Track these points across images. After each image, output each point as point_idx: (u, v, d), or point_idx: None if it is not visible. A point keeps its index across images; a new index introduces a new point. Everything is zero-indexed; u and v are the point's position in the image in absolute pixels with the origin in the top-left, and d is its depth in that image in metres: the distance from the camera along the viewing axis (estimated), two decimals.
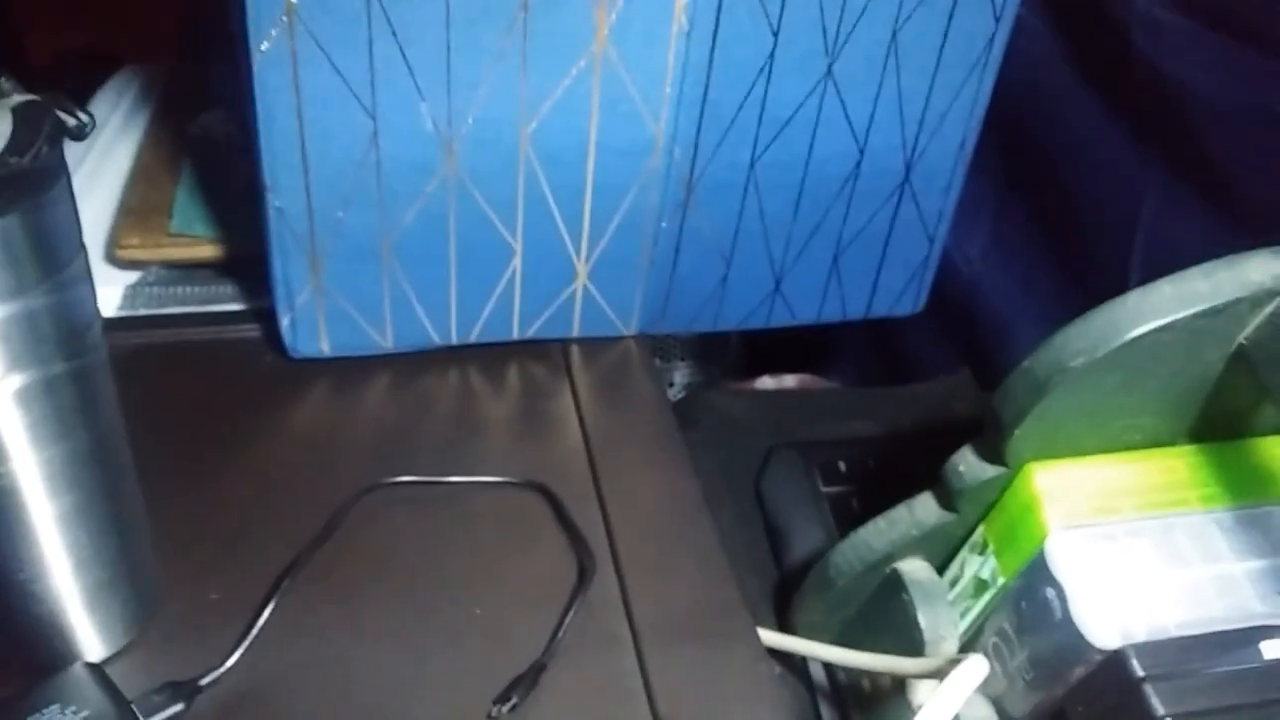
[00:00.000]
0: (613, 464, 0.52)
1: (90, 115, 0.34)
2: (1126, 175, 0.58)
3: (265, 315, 0.58)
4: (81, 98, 0.82)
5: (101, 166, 0.70)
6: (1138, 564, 0.41)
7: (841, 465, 0.66)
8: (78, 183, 0.35)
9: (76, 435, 0.36)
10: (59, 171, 0.34)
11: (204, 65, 0.78)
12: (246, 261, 0.61)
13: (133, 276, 0.62)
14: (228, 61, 0.60)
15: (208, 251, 0.62)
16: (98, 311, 0.37)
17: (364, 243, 0.53)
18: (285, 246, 0.52)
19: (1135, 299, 0.41)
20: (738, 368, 0.91)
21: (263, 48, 0.46)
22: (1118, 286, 0.60)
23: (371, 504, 0.49)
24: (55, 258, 0.34)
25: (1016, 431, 0.43)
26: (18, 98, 0.34)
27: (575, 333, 0.59)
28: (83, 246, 0.36)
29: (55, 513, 0.37)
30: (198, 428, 0.53)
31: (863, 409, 0.73)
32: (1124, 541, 0.42)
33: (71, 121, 0.34)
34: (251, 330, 0.58)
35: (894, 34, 0.54)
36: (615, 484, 0.51)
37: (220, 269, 0.62)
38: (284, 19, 0.45)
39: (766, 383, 0.81)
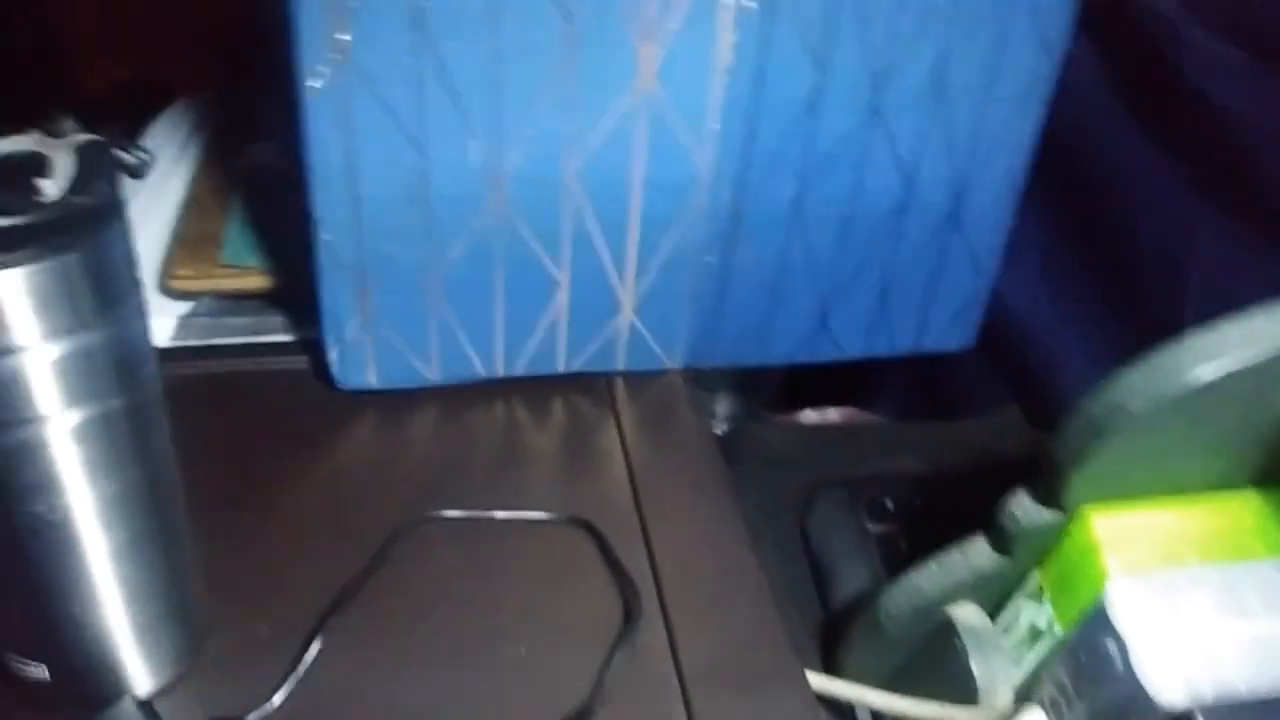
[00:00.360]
0: (658, 501, 0.52)
1: (148, 152, 0.35)
2: (1179, 210, 0.57)
3: (313, 346, 0.58)
4: (135, 129, 0.84)
5: (155, 197, 0.71)
6: (1202, 616, 0.40)
7: (889, 503, 0.65)
8: (131, 213, 0.35)
9: (131, 470, 0.37)
10: (118, 209, 0.34)
11: (255, 96, 0.79)
12: (296, 293, 0.61)
13: (184, 307, 0.62)
14: (278, 94, 0.61)
15: (258, 282, 0.62)
16: (154, 347, 0.37)
17: (412, 276, 0.53)
18: (334, 279, 0.52)
19: (1197, 341, 0.40)
20: (780, 399, 0.90)
21: (314, 85, 0.47)
22: (1171, 323, 0.59)
23: (417, 538, 0.49)
24: (113, 294, 0.34)
25: (1074, 475, 0.42)
26: (79, 137, 0.34)
27: (620, 366, 0.59)
28: (140, 283, 0.36)
29: (108, 547, 0.37)
30: (245, 459, 0.53)
31: (909, 445, 0.72)
32: (1187, 591, 0.41)
33: (130, 159, 0.34)
34: (300, 361, 0.59)
35: (941, 68, 0.54)
36: (661, 521, 0.51)
37: (270, 300, 0.63)
38: (335, 56, 0.46)
39: (810, 416, 0.80)
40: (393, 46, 0.46)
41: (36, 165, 0.33)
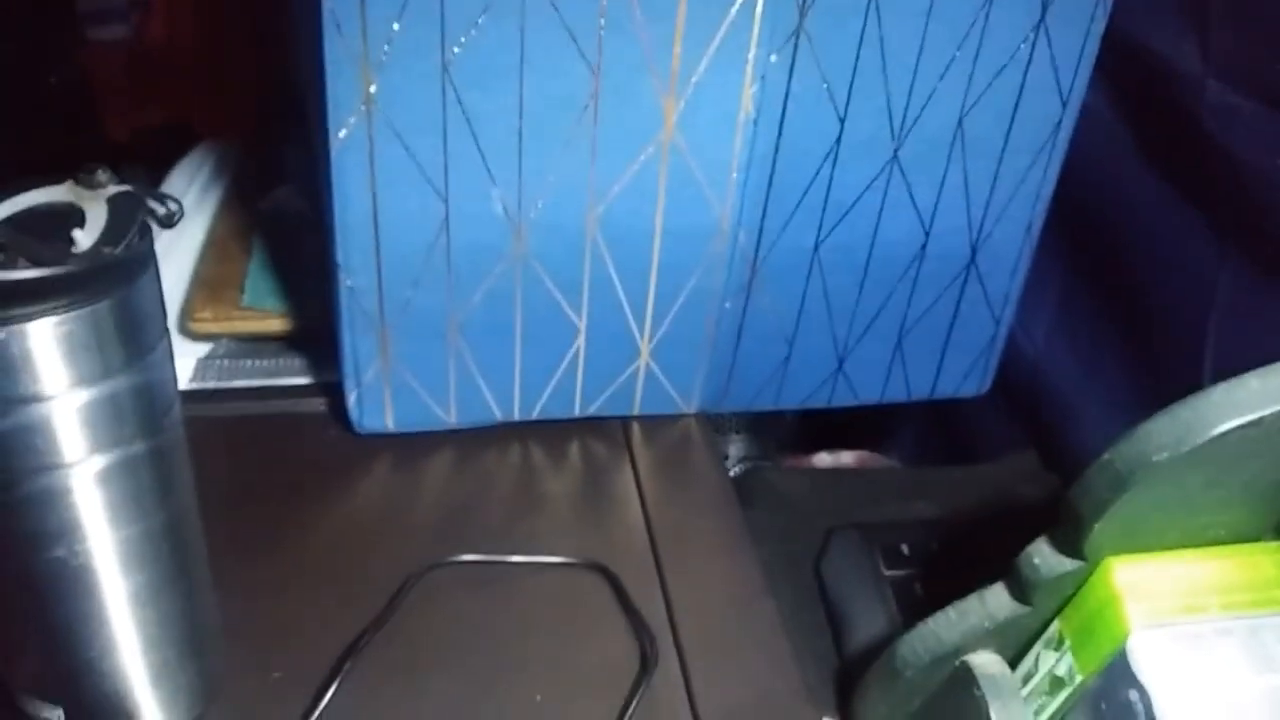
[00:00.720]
0: (674, 545, 0.52)
1: (178, 204, 0.36)
2: (1198, 260, 0.57)
3: (331, 390, 0.58)
4: (159, 172, 0.85)
5: (176, 240, 0.72)
6: (1226, 668, 0.39)
7: (904, 548, 0.64)
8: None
9: (153, 514, 0.37)
10: (149, 259, 0.35)
11: (278, 142, 0.80)
12: (314, 336, 0.62)
13: (203, 349, 0.63)
14: (301, 140, 0.62)
15: (277, 325, 0.63)
16: (178, 393, 0.38)
17: (432, 321, 0.53)
18: (355, 324, 0.53)
19: (1221, 394, 0.40)
20: (794, 441, 0.90)
21: (341, 134, 0.47)
22: (1190, 371, 0.59)
23: (434, 582, 0.49)
24: (142, 342, 0.35)
25: (1096, 525, 0.42)
26: (112, 187, 0.35)
27: (636, 410, 0.59)
28: (167, 330, 0.36)
29: (127, 591, 0.37)
30: (263, 502, 0.53)
31: (924, 489, 0.72)
32: (1210, 642, 0.40)
33: (161, 210, 0.35)
34: (318, 404, 0.59)
35: (961, 119, 0.54)
36: (677, 566, 0.50)
37: (288, 343, 0.63)
38: (362, 107, 0.47)
39: (824, 459, 0.80)
40: (420, 98, 0.47)
41: (70, 215, 0.34)
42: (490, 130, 0.48)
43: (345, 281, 0.52)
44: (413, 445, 0.57)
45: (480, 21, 0.45)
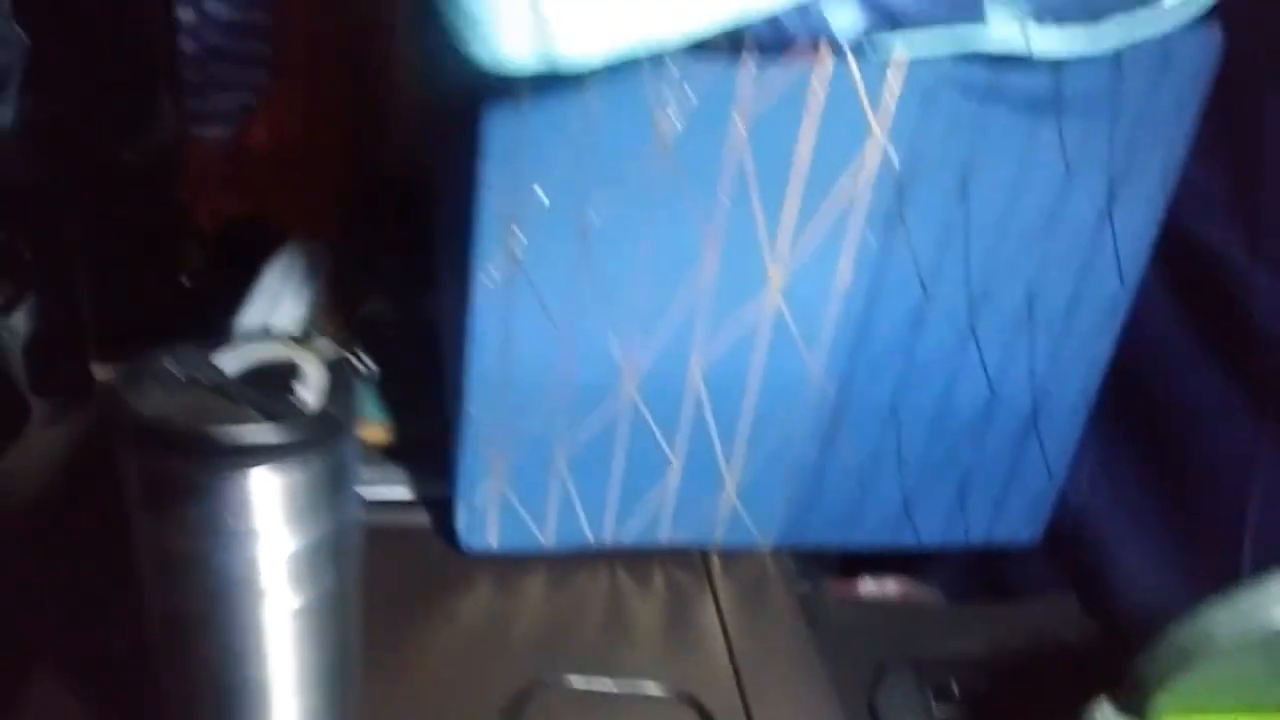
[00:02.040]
0: (758, 681, 0.55)
1: (374, 366, 0.40)
2: (1238, 430, 0.62)
3: (434, 505, 0.62)
4: (248, 267, 0.89)
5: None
6: None
7: (954, 686, 0.68)
8: None
9: (329, 645, 0.41)
10: (355, 416, 0.39)
11: (370, 246, 0.85)
12: (412, 447, 0.66)
13: None
14: (397, 248, 0.66)
15: (377, 435, 0.67)
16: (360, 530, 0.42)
17: (541, 450, 0.58)
18: (472, 449, 0.57)
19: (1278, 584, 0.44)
20: (836, 563, 0.93)
21: (485, 282, 0.52)
22: (1229, 533, 0.63)
23: (531, 705, 0.52)
24: (343, 493, 0.39)
25: (1158, 694, 0.46)
26: (325, 348, 0.39)
27: (717, 541, 0.63)
28: (356, 479, 0.41)
29: (299, 709, 0.41)
30: (369, 614, 0.56)
31: (969, 626, 0.75)
32: None
33: (364, 370, 0.40)
34: (418, 518, 0.63)
35: (1031, 295, 0.59)
36: (761, 701, 0.54)
37: (388, 453, 0.67)
38: (507, 259, 0.52)
39: (869, 586, 0.83)
40: (560, 260, 0.52)
41: (290, 372, 0.38)
42: (614, 285, 0.53)
43: (469, 410, 0.56)
44: (509, 564, 0.61)
45: (617, 192, 0.51)
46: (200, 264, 0.99)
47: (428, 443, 0.64)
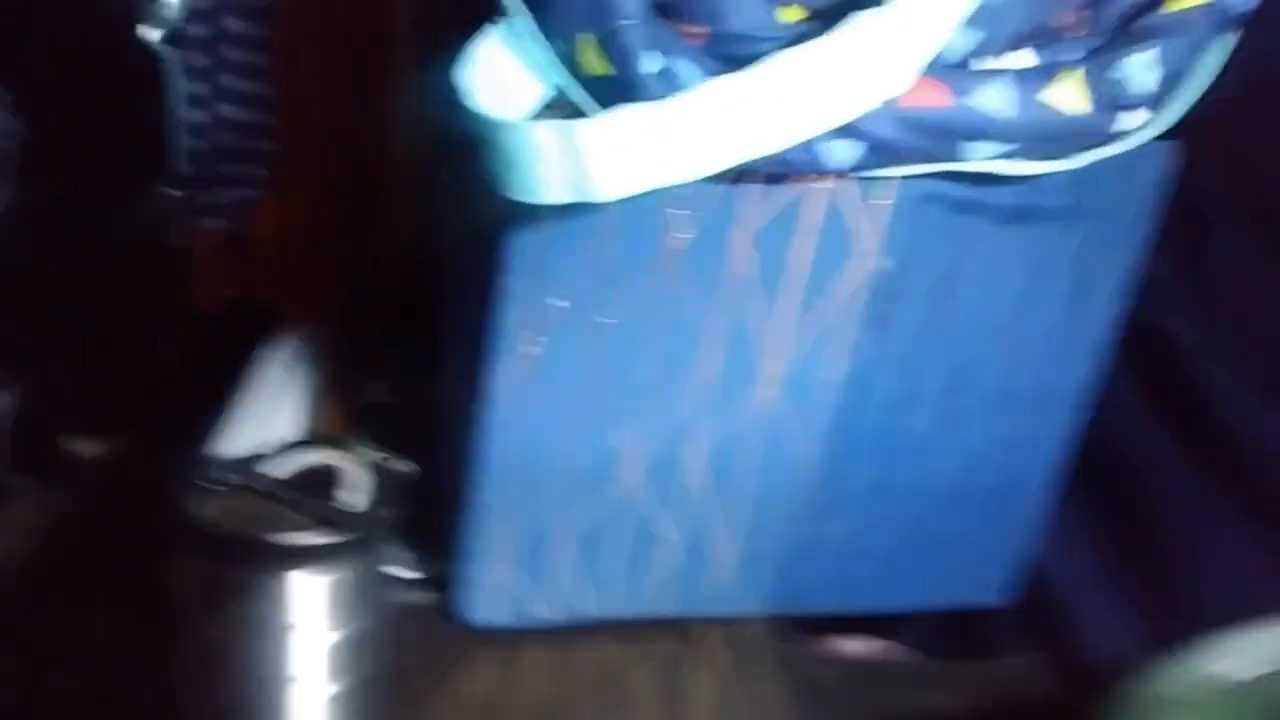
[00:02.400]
0: None
1: (414, 466, 0.43)
2: (1196, 504, 0.67)
3: (439, 583, 0.65)
4: (246, 349, 0.90)
5: (268, 423, 0.77)
6: None
7: None
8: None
9: None
10: (397, 517, 0.42)
11: (369, 332, 0.87)
12: (418, 528, 0.68)
13: None
14: (396, 338, 0.69)
15: None
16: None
17: (546, 529, 0.61)
18: (475, 528, 0.60)
19: (1228, 645, 0.49)
20: (816, 622, 0.97)
21: (499, 381, 0.55)
22: (1189, 596, 0.68)
23: None
24: (379, 590, 0.42)
25: None
26: (368, 453, 0.42)
27: (714, 611, 0.66)
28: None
29: None
30: None
31: (946, 682, 0.79)
32: None
33: (405, 470, 0.42)
34: (424, 596, 0.65)
35: (1004, 381, 0.64)
36: None
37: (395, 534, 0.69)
38: (522, 362, 0.55)
39: (851, 645, 0.87)
40: (571, 353, 0.55)
41: (333, 476, 0.41)
42: (623, 380, 0.56)
43: (476, 496, 0.59)
44: (509, 639, 0.63)
45: (628, 297, 0.54)
46: (190, 346, 1.00)
47: (428, 523, 0.66)
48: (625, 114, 0.44)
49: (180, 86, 0.86)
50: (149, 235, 0.95)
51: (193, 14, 0.85)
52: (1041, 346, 0.63)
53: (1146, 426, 0.70)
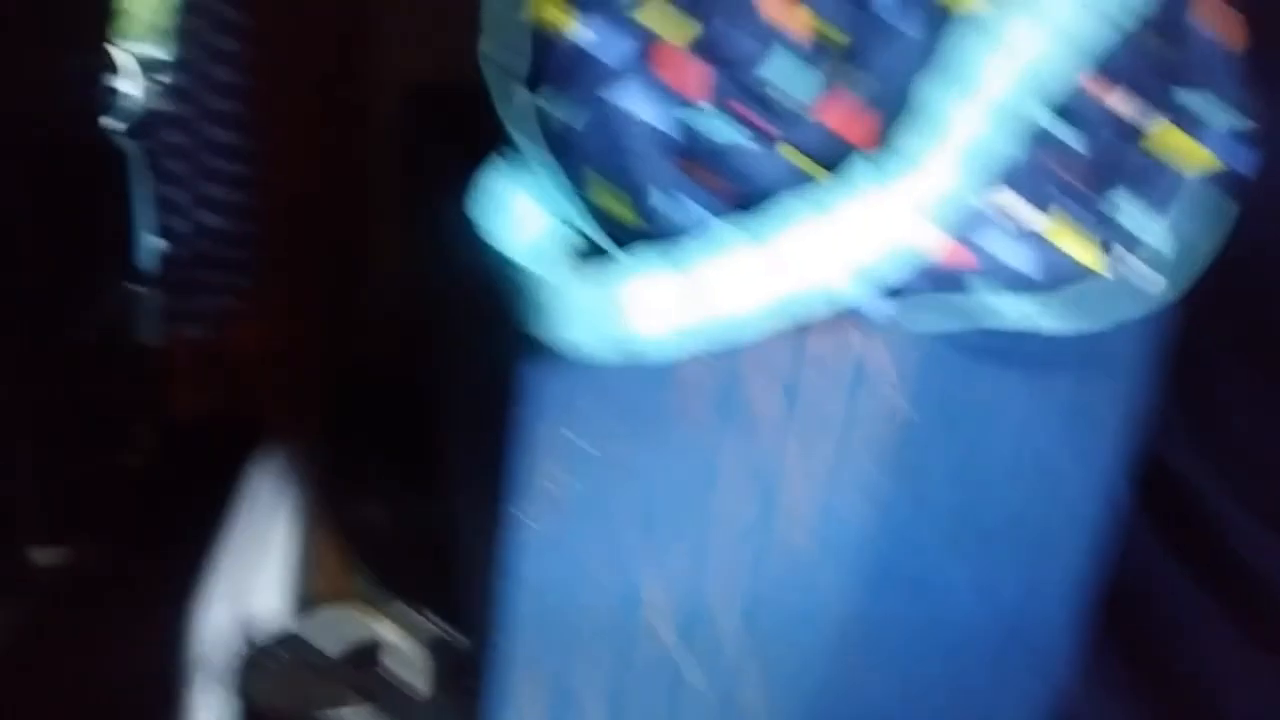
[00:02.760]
0: None
1: (460, 636, 0.41)
2: (1218, 648, 0.66)
3: None
4: (226, 465, 0.87)
5: (264, 546, 0.75)
6: None
7: None
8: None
9: None
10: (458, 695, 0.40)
11: (355, 446, 0.86)
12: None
13: None
14: (387, 454, 0.67)
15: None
16: None
17: (568, 677, 0.59)
18: (508, 687, 0.58)
19: None
20: None
21: (527, 520, 0.54)
22: None
23: None
24: None
25: None
26: (432, 628, 0.40)
27: None
28: None
29: None
30: None
31: None
32: None
33: (456, 641, 0.41)
34: None
35: (1015, 522, 0.64)
36: None
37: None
38: (544, 505, 0.54)
39: None
40: (599, 492, 0.54)
41: (379, 647, 0.39)
42: (646, 529, 0.55)
43: (500, 639, 0.57)
44: None
45: (653, 442, 0.54)
46: (165, 456, 0.97)
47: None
48: (665, 277, 0.44)
49: (146, 183, 0.86)
50: (115, 332, 0.93)
51: (173, 121, 0.85)
52: (1051, 487, 0.63)
53: (1167, 566, 0.70)
